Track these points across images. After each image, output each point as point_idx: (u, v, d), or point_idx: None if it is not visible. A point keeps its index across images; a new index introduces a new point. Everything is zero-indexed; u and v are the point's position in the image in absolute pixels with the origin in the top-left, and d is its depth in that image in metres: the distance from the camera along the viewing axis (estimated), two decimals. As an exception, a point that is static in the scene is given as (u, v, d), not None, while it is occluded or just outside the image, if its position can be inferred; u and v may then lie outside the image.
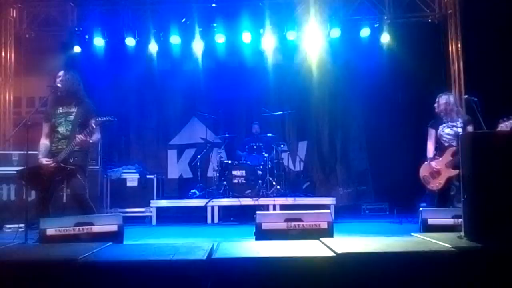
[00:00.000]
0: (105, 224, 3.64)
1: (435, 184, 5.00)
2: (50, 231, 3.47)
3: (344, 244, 2.74)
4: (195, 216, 7.16)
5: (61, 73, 4.40)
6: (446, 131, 5.06)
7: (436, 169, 5.00)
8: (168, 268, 2.22)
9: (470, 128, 4.97)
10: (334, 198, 7.11)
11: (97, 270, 2.24)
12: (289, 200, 7.04)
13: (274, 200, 7.03)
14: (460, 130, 4.94)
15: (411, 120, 7.76)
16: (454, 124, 5.03)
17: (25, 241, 3.75)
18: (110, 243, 2.93)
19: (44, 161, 4.16)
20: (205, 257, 2.28)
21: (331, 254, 2.48)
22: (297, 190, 7.71)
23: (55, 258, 2.39)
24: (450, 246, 2.65)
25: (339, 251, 2.48)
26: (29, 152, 4.41)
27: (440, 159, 5.02)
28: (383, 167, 8.21)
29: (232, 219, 7.05)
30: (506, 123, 4.53)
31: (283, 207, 6.88)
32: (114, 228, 3.64)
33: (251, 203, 6.99)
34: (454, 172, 4.82)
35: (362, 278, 2.36)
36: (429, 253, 2.52)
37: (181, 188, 8.40)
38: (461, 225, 3.59)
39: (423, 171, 5.15)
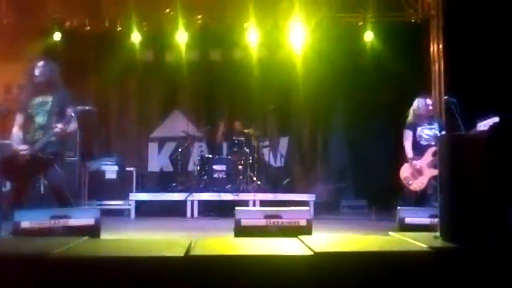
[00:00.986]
0: (82, 218, 3.58)
1: (418, 185, 5.08)
2: (25, 224, 3.40)
3: (322, 242, 2.75)
4: (175, 210, 7.11)
5: (40, 63, 4.30)
6: (425, 131, 5.18)
7: (418, 169, 5.06)
8: (145, 265, 2.20)
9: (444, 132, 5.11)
10: (313, 195, 7.15)
11: (71, 266, 2.20)
12: (269, 196, 7.05)
13: (254, 196, 7.03)
14: (437, 132, 5.05)
15: (392, 119, 7.80)
16: (433, 126, 5.18)
17: (-1, 234, 3.66)
18: (86, 238, 2.88)
19: (20, 147, 4.06)
20: (182, 254, 2.26)
21: (309, 253, 2.48)
22: (278, 185, 7.73)
23: (28, 252, 2.34)
24: (426, 246, 2.69)
25: (317, 250, 2.49)
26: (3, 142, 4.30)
27: (421, 159, 5.09)
28: (363, 165, 8.28)
29: (211, 213, 7.03)
30: (484, 122, 4.59)
31: (263, 202, 6.89)
32: (91, 222, 3.59)
33: (231, 198, 6.98)
34: (436, 172, 4.89)
35: (339, 277, 2.37)
36: (405, 253, 2.55)
37: (161, 182, 8.31)
38: (437, 224, 3.67)
39: (404, 172, 5.21)
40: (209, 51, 8.57)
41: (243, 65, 8.37)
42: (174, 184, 7.55)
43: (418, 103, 5.30)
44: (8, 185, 5.71)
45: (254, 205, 6.88)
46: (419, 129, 5.21)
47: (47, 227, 3.44)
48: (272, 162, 8.43)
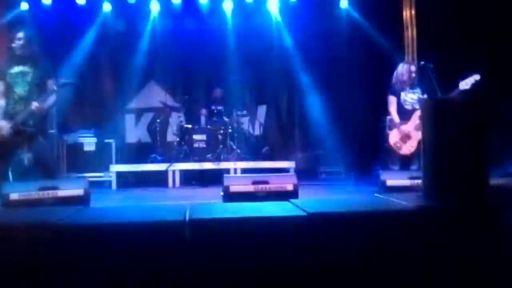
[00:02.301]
0: (70, 188, 3.58)
1: (408, 149, 5.18)
2: (14, 196, 3.38)
3: (314, 204, 2.86)
4: (156, 181, 7.12)
5: (21, 34, 4.16)
6: (409, 95, 5.27)
7: (406, 133, 5.16)
8: (150, 229, 2.26)
9: (426, 96, 5.22)
10: (293, 162, 7.29)
11: (77, 234, 2.23)
12: (250, 164, 7.14)
13: (235, 164, 7.11)
14: (421, 96, 5.17)
15: (368, 84, 7.95)
16: (416, 90, 5.28)
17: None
18: (81, 207, 2.90)
19: (3, 123, 3.98)
20: (186, 219, 2.32)
21: (303, 213, 2.58)
22: (257, 154, 7.82)
23: (31, 222, 2.35)
24: (410, 205, 2.84)
25: (310, 211, 2.59)
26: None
27: (408, 123, 5.20)
28: (339, 131, 8.42)
29: (193, 182, 7.08)
30: (466, 80, 4.73)
31: (244, 171, 6.98)
32: (80, 192, 3.59)
33: (212, 167, 7.05)
34: None
35: (333, 236, 2.48)
36: (393, 211, 2.69)
37: (140, 153, 8.24)
38: (418, 186, 3.84)
39: (393, 137, 5.30)
40: (184, 20, 8.42)
41: (218, 33, 8.30)
42: (154, 154, 7.53)
43: (401, 68, 5.37)
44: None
45: (235, 173, 6.96)
46: (403, 94, 5.28)
47: (36, 198, 3.43)
48: (251, 130, 8.49)
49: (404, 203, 2.92)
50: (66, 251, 2.19)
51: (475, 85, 4.69)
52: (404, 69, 5.35)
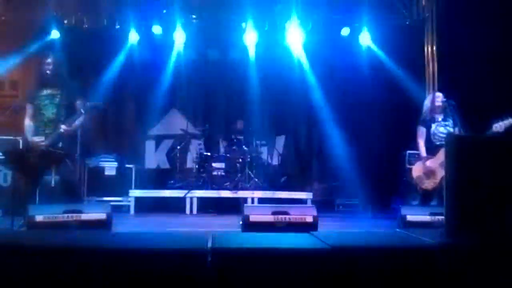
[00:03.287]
0: (94, 212, 3.64)
1: (430, 184, 5.00)
2: (39, 218, 3.45)
3: (335, 237, 2.86)
4: (174, 207, 7.17)
5: (49, 59, 4.33)
6: (440, 129, 5.09)
7: (431, 169, 4.99)
8: (173, 257, 2.29)
9: (457, 130, 5.01)
10: (311, 193, 7.28)
11: (102, 259, 2.28)
12: (268, 194, 7.15)
13: (252, 193, 7.13)
14: (451, 130, 4.94)
15: (387, 118, 7.99)
16: (447, 123, 5.07)
17: (11, 227, 3.69)
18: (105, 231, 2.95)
19: (36, 139, 4.11)
20: (209, 247, 2.35)
21: (325, 246, 2.58)
22: (275, 183, 7.83)
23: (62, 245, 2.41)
24: (433, 241, 2.81)
25: (333, 244, 2.59)
26: (10, 137, 4.34)
27: (434, 158, 5.01)
28: (357, 163, 8.40)
29: (211, 210, 7.11)
30: (500, 123, 4.62)
31: (261, 200, 6.99)
32: (103, 216, 3.65)
33: (229, 195, 7.07)
34: None
35: (356, 270, 2.47)
36: (416, 248, 2.67)
37: (158, 179, 8.35)
38: (439, 222, 3.81)
39: (417, 171, 5.14)
40: (207, 51, 8.64)
41: (240, 65, 8.48)
42: (172, 181, 7.60)
43: (432, 97, 5.26)
44: (9, 180, 5.77)
45: (252, 202, 6.97)
46: (433, 126, 5.11)
47: (60, 221, 3.49)
48: (269, 160, 8.53)
49: (426, 239, 2.90)
50: (90, 275, 2.22)
51: (509, 128, 4.58)
52: (434, 97, 5.21)
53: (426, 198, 5.15)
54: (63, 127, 4.12)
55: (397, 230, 3.57)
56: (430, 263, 2.61)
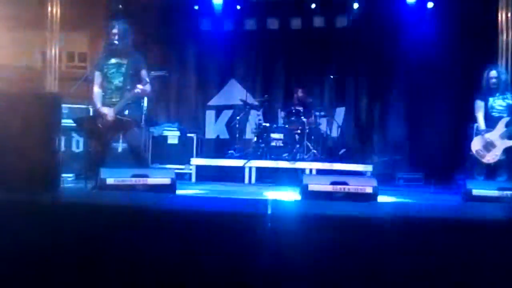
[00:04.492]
0: (159, 177, 3.81)
1: (492, 157, 4.97)
2: (110, 180, 3.67)
3: (397, 207, 2.82)
4: (233, 176, 7.32)
5: (115, 29, 4.49)
6: (498, 102, 5.07)
7: (490, 141, 4.97)
8: (235, 219, 2.36)
9: None
10: (371, 166, 7.16)
11: (166, 218, 2.40)
12: (326, 165, 7.11)
13: (310, 165, 7.12)
14: (510, 102, 4.93)
15: (452, 90, 7.64)
16: (505, 96, 5.05)
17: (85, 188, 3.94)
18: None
19: (105, 109, 4.32)
20: (269, 212, 2.40)
21: (387, 216, 2.56)
22: (333, 156, 7.76)
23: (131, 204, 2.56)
24: (501, 215, 2.70)
25: (394, 213, 2.56)
26: (82, 106, 4.58)
27: (493, 130, 5.00)
28: (420, 137, 8.15)
29: (269, 180, 7.20)
30: None
31: (319, 172, 6.97)
32: (168, 181, 3.83)
33: (288, 166, 7.12)
34: (510, 143, 4.81)
35: (418, 241, 2.44)
36: (484, 220, 2.58)
37: (218, 149, 8.57)
38: (508, 197, 3.64)
39: (476, 145, 5.12)
40: (267, 20, 8.58)
41: (300, 34, 8.37)
42: (232, 150, 7.75)
43: (491, 72, 5.17)
44: (81, 146, 6.13)
45: (310, 173, 6.98)
46: (491, 99, 5.09)
47: (129, 184, 3.70)
48: (328, 132, 8.45)
49: (493, 213, 2.79)
50: (155, 234, 2.35)
51: None
52: (493, 72, 5.16)
53: (491, 173, 5.01)
54: (139, 87, 4.27)
55: (462, 202, 3.45)
56: (498, 238, 2.52)
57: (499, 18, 7.34)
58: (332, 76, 7.90)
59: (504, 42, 7.32)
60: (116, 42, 4.46)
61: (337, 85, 8.48)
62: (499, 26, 7.34)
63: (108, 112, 4.27)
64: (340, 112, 8.64)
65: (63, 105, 6.54)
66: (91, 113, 5.22)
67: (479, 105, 5.16)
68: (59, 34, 7.90)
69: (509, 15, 7.22)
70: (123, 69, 4.46)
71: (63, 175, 6.09)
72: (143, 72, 4.38)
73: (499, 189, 4.02)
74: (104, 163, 4.20)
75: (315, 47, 8.31)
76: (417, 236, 2.49)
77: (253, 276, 2.44)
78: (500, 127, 4.95)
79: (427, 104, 8.00)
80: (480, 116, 5.14)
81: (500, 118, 5.00)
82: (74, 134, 6.10)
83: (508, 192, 3.72)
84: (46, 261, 2.43)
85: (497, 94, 5.08)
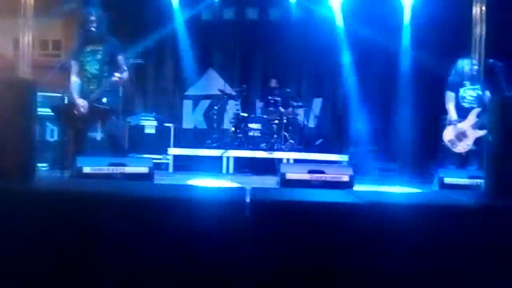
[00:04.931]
0: (137, 166, 3.80)
1: (463, 147, 5.08)
2: (86, 169, 3.63)
3: (371, 194, 2.89)
4: (211, 166, 7.32)
5: (92, 16, 4.41)
6: (469, 93, 5.16)
7: (462, 131, 5.08)
8: (214, 207, 2.39)
9: (488, 93, 5.10)
10: (347, 156, 7.27)
11: (144, 206, 2.41)
12: (303, 155, 7.19)
13: (288, 154, 7.19)
14: (480, 93, 5.07)
15: (426, 82, 7.79)
16: (475, 87, 5.15)
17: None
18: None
19: (80, 101, 4.26)
20: (248, 200, 2.43)
21: (360, 201, 2.62)
22: (310, 146, 7.86)
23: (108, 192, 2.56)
24: (471, 202, 2.79)
25: (367, 200, 2.62)
26: (57, 94, 4.50)
27: (465, 121, 5.10)
28: (395, 128, 8.30)
29: (246, 170, 7.24)
30: None
31: (297, 161, 7.04)
32: (145, 170, 3.80)
33: (265, 156, 7.16)
34: (481, 133, 4.93)
35: (389, 226, 2.51)
36: (454, 206, 2.67)
37: (196, 138, 8.54)
38: (478, 185, 3.76)
39: (448, 134, 5.22)
40: (246, 10, 8.57)
41: (279, 25, 8.38)
42: (209, 140, 7.75)
43: (462, 63, 5.27)
44: (56, 135, 6.04)
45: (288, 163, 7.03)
46: (461, 90, 5.18)
47: (105, 173, 3.67)
48: (305, 122, 8.52)
49: (463, 199, 2.89)
50: (131, 221, 2.36)
51: None
52: (464, 63, 5.25)
53: (462, 162, 5.15)
54: (116, 75, 4.21)
55: (433, 190, 3.55)
56: (467, 223, 2.61)
57: (473, 11, 7.52)
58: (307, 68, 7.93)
59: (478, 35, 7.51)
60: (92, 29, 4.38)
61: (315, 76, 8.54)
62: (473, 19, 7.53)
63: (83, 104, 4.22)
64: (318, 102, 8.72)
65: (38, 94, 6.51)
66: (66, 102, 5.13)
67: (450, 95, 5.24)
68: (32, 22, 7.77)
69: (483, 8, 7.40)
70: (99, 56, 4.39)
71: (37, 164, 6.03)
72: (120, 58, 4.32)
73: (470, 177, 4.15)
74: (81, 152, 4.15)
75: (294, 37, 8.33)
76: (389, 221, 2.57)
77: (232, 263, 2.48)
78: (472, 118, 5.05)
79: (402, 95, 8.13)
80: (451, 106, 5.22)
81: (471, 108, 5.10)
82: (48, 123, 6.00)
83: (478, 180, 3.83)
84: (22, 251, 2.41)
85: (468, 85, 5.17)
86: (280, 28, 8.33)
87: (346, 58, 8.32)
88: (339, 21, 8.11)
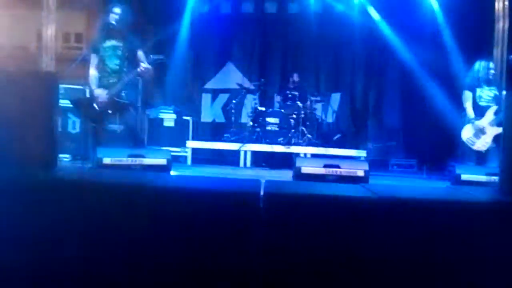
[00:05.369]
0: (155, 158, 3.88)
1: (482, 144, 5.11)
2: (106, 160, 3.73)
3: (386, 189, 2.90)
4: (228, 159, 7.41)
5: (117, 9, 4.46)
6: (486, 92, 5.21)
7: (481, 128, 5.10)
8: (228, 198, 2.44)
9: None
10: (365, 151, 7.25)
11: (161, 196, 2.48)
12: (320, 150, 7.19)
13: (305, 149, 7.20)
14: (497, 93, 5.16)
15: (447, 79, 7.69)
16: (492, 88, 5.22)
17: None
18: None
19: (99, 91, 4.35)
20: (262, 192, 2.48)
21: (374, 196, 2.64)
22: (328, 141, 7.85)
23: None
24: (486, 199, 2.79)
25: (381, 194, 2.64)
26: (78, 87, 4.61)
27: (482, 118, 5.13)
28: (414, 124, 8.23)
29: (263, 164, 7.29)
30: None
31: (314, 156, 7.05)
32: (163, 162, 3.89)
33: (282, 150, 7.19)
34: (500, 130, 4.88)
35: (402, 221, 2.52)
36: (468, 203, 2.66)
37: (214, 132, 8.63)
38: (495, 183, 3.73)
39: (466, 133, 5.25)
40: (264, 4, 8.58)
41: (298, 19, 8.38)
42: (227, 134, 7.81)
43: (478, 66, 5.29)
44: (78, 127, 6.17)
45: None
46: (478, 90, 5.23)
47: (125, 164, 3.76)
48: (323, 117, 8.51)
49: (478, 195, 2.88)
50: (149, 211, 2.43)
51: None
52: (481, 66, 5.28)
53: (481, 160, 5.13)
54: (142, 65, 4.28)
55: (449, 186, 3.54)
56: (482, 219, 2.61)
57: (496, 6, 7.39)
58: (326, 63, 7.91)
59: (500, 30, 7.38)
60: (114, 22, 4.45)
61: (334, 71, 8.52)
62: (496, 14, 7.39)
63: (101, 93, 4.31)
64: (336, 97, 8.70)
65: (60, 86, 6.66)
66: (87, 95, 5.24)
67: (467, 95, 5.28)
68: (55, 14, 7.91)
69: (505, 3, 7.26)
70: (119, 52, 4.47)
71: (60, 155, 6.18)
72: (140, 53, 4.39)
73: (487, 174, 4.11)
74: (100, 144, 4.25)
75: (312, 31, 8.31)
76: (404, 216, 2.58)
77: (245, 255, 2.53)
78: (489, 115, 5.09)
79: (421, 91, 8.05)
80: (468, 105, 5.26)
81: (488, 107, 5.14)
82: (70, 115, 6.13)
83: (496, 177, 3.80)
84: (45, 238, 2.50)
85: (484, 86, 5.22)
86: (299, 22, 8.32)
87: (365, 53, 8.26)
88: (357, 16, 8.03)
